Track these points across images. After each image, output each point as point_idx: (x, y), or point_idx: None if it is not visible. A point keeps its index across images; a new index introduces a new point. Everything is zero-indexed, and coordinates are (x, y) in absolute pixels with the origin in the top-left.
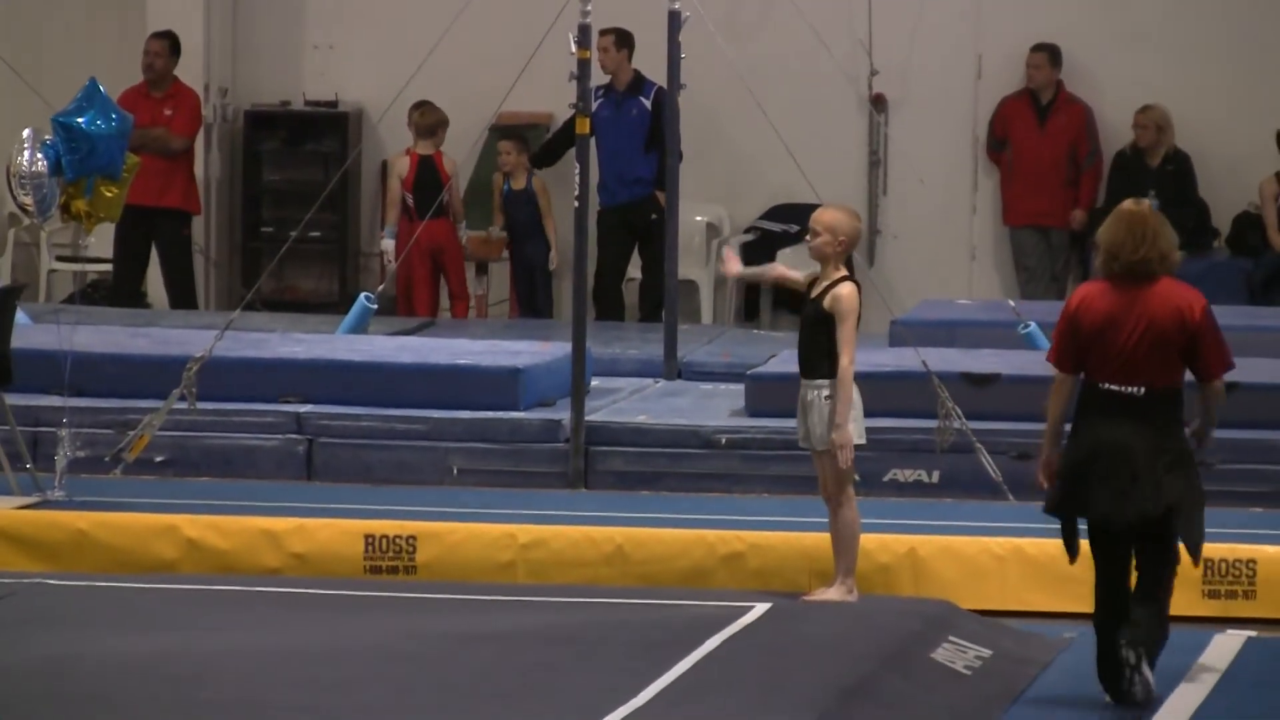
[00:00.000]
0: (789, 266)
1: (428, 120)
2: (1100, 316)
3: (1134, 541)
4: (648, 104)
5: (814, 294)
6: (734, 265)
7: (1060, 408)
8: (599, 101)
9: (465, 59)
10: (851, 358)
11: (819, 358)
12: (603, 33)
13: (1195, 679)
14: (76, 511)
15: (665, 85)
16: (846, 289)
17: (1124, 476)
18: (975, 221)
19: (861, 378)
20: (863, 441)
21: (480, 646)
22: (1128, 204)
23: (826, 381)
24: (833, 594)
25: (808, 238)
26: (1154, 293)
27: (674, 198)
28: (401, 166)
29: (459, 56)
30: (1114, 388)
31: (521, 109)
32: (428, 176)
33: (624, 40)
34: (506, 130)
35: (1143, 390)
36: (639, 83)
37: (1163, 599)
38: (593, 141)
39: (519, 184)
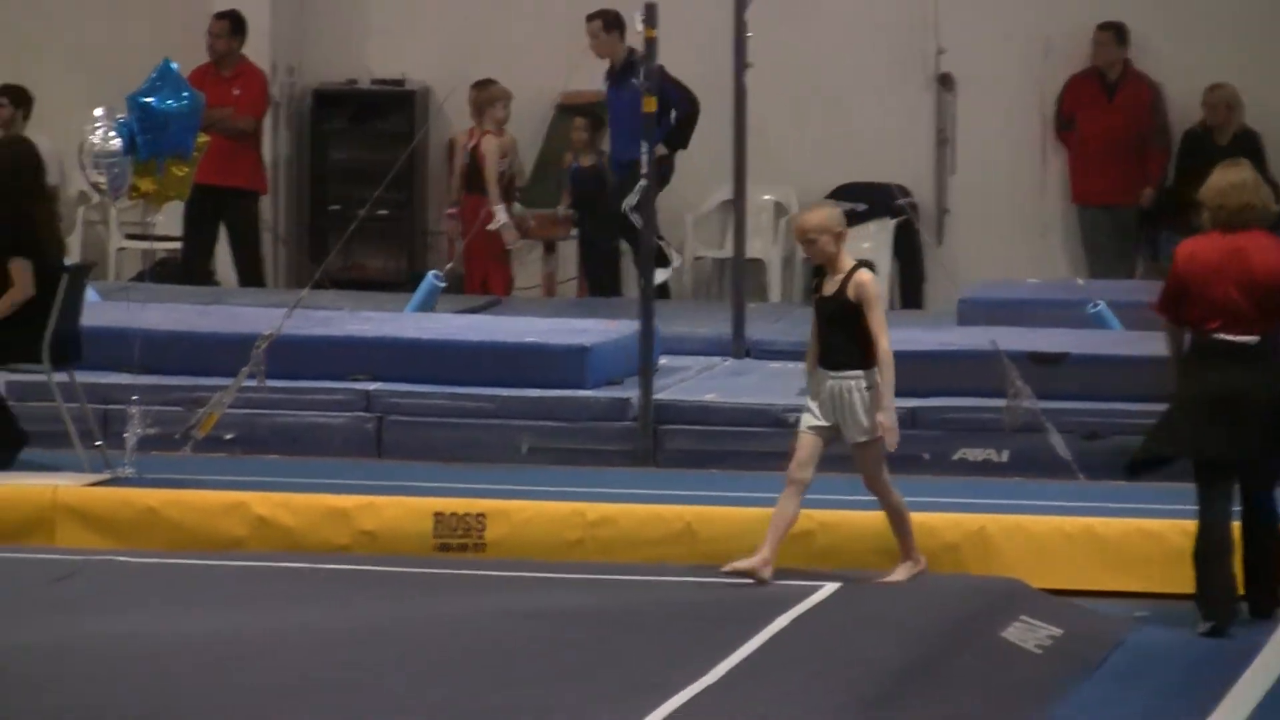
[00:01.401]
0: (849, 254)
1: (484, 98)
2: (1205, 268)
3: (1236, 479)
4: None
5: (829, 291)
6: None
7: (1173, 354)
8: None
9: (530, 37)
10: (889, 340)
11: (850, 349)
12: (589, 18)
13: (1266, 660)
14: (146, 489)
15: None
16: (867, 275)
17: (1244, 420)
18: (1043, 200)
19: (930, 356)
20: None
21: (548, 624)
22: (1228, 161)
23: (861, 372)
24: (897, 575)
25: (803, 248)
26: (1256, 245)
27: (741, 178)
28: (487, 144)
29: (524, 35)
30: (1227, 337)
31: (588, 87)
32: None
33: (612, 23)
34: (572, 109)
35: (1256, 339)
36: (631, 63)
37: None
38: None
39: (587, 161)
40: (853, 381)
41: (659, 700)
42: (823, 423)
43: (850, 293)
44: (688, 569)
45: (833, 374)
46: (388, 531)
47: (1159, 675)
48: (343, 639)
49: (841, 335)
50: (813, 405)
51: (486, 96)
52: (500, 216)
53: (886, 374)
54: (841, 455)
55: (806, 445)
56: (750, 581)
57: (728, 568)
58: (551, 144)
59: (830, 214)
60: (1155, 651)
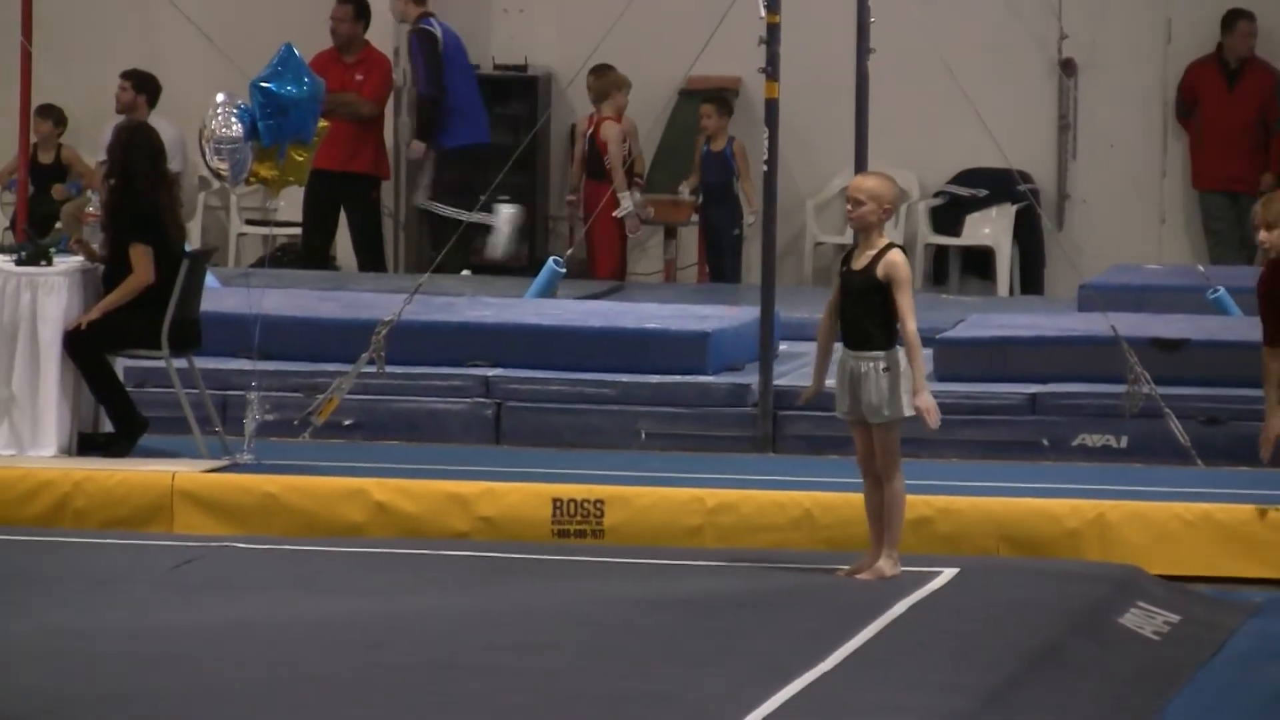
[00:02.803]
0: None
1: (604, 84)
2: (1269, 291)
3: None
4: None
5: (858, 265)
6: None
7: (1269, 378)
8: None
9: (653, 22)
10: (915, 324)
11: (873, 328)
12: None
13: None
14: (265, 475)
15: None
16: (899, 256)
17: None
18: (1164, 186)
19: (1050, 342)
20: (913, 414)
21: (668, 611)
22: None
23: (881, 353)
24: (881, 569)
25: (848, 207)
26: None
27: (863, 163)
28: (608, 131)
29: (647, 20)
30: None
31: (711, 72)
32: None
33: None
34: (696, 94)
35: None
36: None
37: None
38: None
39: (718, 146)
40: (873, 362)
41: (779, 686)
42: (850, 410)
43: (880, 271)
44: (807, 555)
45: (853, 353)
46: (506, 517)
47: (1279, 660)
48: (467, 625)
49: (865, 312)
50: (838, 396)
51: (607, 82)
52: (626, 203)
53: (916, 356)
54: (972, 441)
55: (858, 439)
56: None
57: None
58: (673, 129)
59: (887, 186)
60: (1275, 637)
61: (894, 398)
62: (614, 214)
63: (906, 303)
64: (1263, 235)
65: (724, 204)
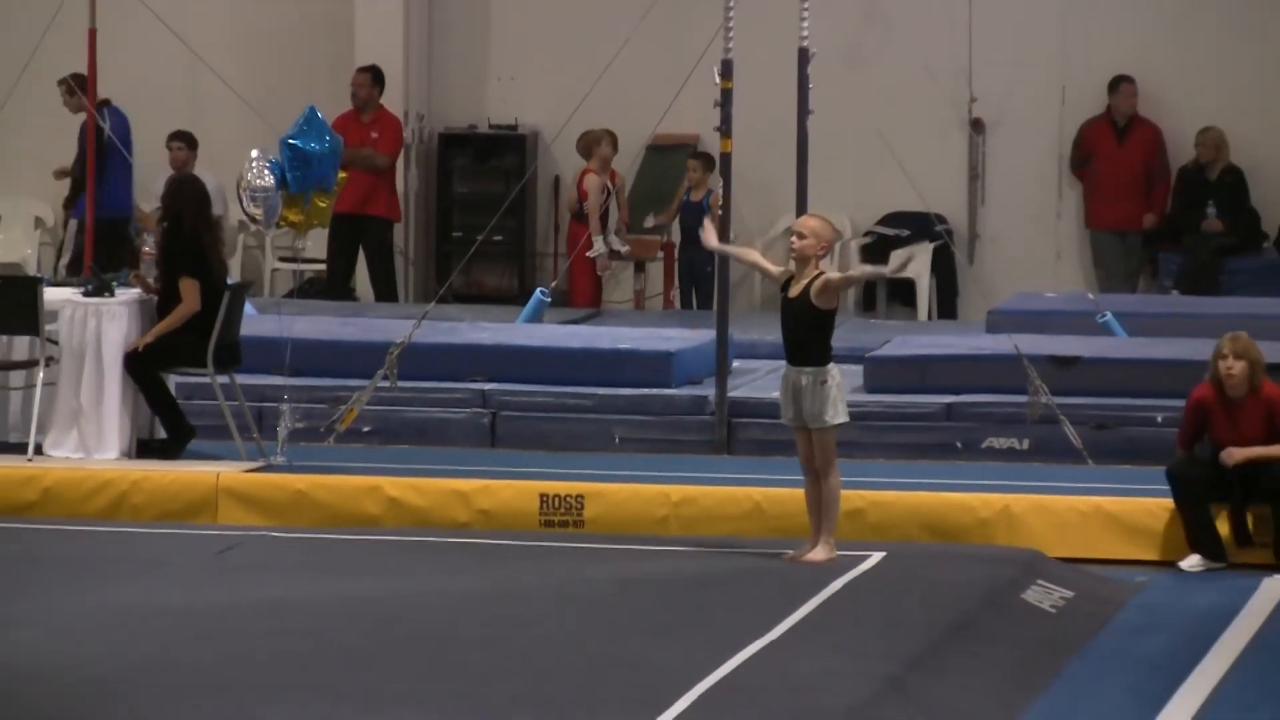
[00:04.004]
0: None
1: (584, 141)
2: (1200, 408)
3: None
4: None
5: (794, 292)
6: (711, 239)
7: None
8: None
9: (624, 88)
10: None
11: (810, 347)
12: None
13: (1247, 617)
14: (295, 474)
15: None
16: (831, 276)
17: None
18: (1059, 226)
19: (962, 359)
20: (847, 420)
21: (639, 589)
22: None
23: (818, 369)
24: (819, 554)
25: (793, 240)
26: None
27: (803, 206)
28: (589, 182)
29: (619, 86)
30: None
31: (674, 130)
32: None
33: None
34: (661, 149)
35: None
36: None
37: None
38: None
39: (697, 195)
40: (811, 375)
41: (733, 653)
42: (791, 421)
43: (813, 293)
44: (758, 542)
45: (795, 368)
46: (501, 510)
47: (1160, 630)
48: (467, 602)
49: (803, 333)
50: (783, 404)
51: (589, 140)
52: (599, 246)
53: (855, 274)
54: (896, 444)
55: (800, 442)
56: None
57: (789, 558)
58: (643, 178)
59: (827, 227)
60: (1156, 610)
61: (830, 406)
62: (586, 254)
63: (830, 294)
64: (1230, 364)
65: (700, 246)
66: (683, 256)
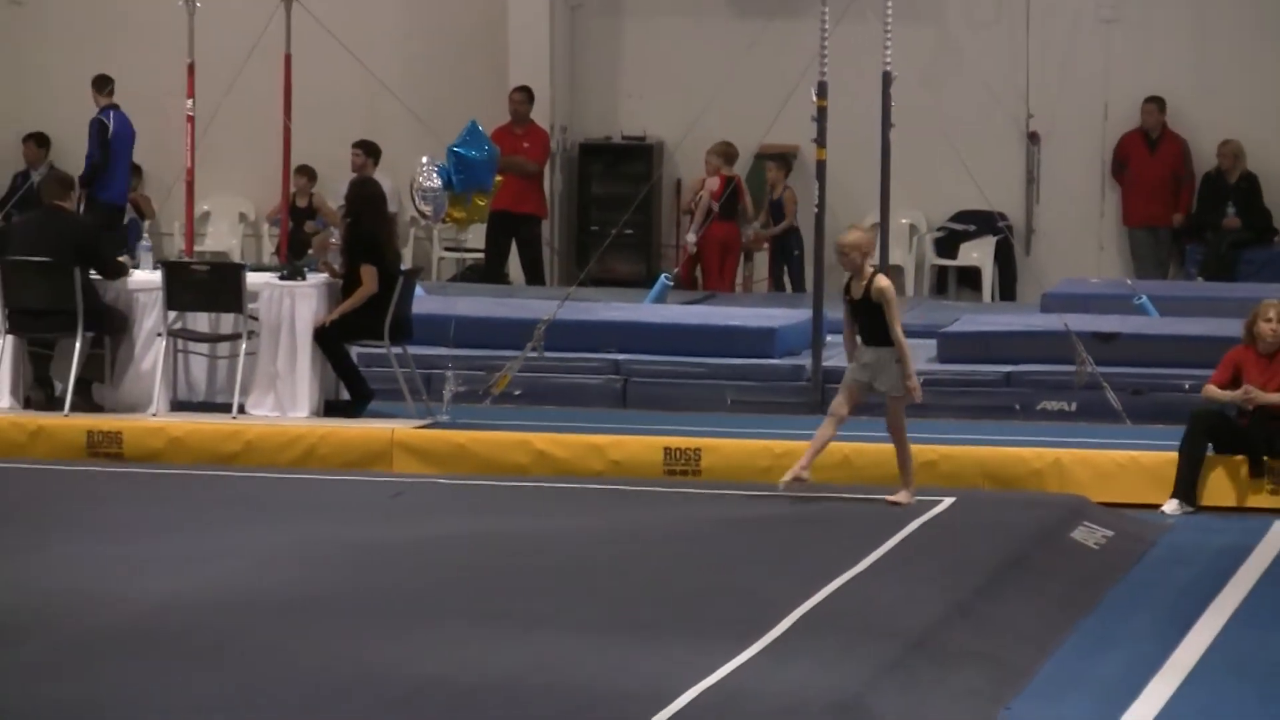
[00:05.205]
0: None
1: (708, 154)
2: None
3: None
4: None
5: (857, 294)
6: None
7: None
8: None
9: (736, 105)
10: (901, 328)
11: (881, 332)
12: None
13: (1261, 553)
14: (457, 430)
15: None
16: (885, 281)
17: None
18: (1102, 223)
19: (1020, 335)
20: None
21: (746, 528)
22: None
23: (890, 348)
24: (902, 498)
25: (841, 259)
26: None
27: (886, 206)
28: (711, 185)
29: (732, 103)
30: None
31: (778, 141)
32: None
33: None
34: (765, 156)
35: None
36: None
37: None
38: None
39: (776, 194)
40: (887, 353)
41: (826, 582)
42: (862, 379)
43: (873, 295)
44: (847, 488)
45: (870, 347)
46: (630, 461)
47: (1187, 564)
48: (599, 538)
49: (873, 322)
50: (856, 368)
51: (710, 153)
52: (690, 238)
53: (905, 352)
54: (964, 407)
55: (850, 390)
56: (890, 500)
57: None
58: (751, 181)
59: (865, 236)
60: (1183, 547)
61: (901, 379)
62: (685, 243)
63: (894, 314)
64: (1274, 325)
65: (785, 235)
66: (772, 245)
